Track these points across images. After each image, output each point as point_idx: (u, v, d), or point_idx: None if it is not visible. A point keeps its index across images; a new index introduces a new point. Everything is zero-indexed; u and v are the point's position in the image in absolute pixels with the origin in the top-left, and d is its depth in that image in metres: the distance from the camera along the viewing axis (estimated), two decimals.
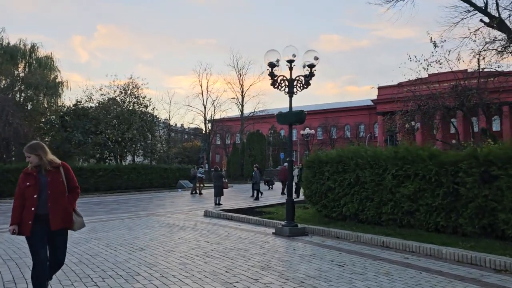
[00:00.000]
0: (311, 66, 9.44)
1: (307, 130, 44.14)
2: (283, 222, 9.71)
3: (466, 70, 19.29)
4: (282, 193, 22.03)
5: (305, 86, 9.70)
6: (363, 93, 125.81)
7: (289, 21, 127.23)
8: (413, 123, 33.41)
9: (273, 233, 9.43)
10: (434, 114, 18.67)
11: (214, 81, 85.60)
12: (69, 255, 6.74)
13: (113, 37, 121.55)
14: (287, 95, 9.68)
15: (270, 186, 30.34)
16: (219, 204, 16.78)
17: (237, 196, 22.61)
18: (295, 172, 18.70)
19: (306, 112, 9.65)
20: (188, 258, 6.70)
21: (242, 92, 54.53)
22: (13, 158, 28.22)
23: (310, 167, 11.77)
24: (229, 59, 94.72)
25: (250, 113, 55.54)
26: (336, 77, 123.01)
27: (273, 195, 23.30)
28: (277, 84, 9.69)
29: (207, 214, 12.99)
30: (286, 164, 21.94)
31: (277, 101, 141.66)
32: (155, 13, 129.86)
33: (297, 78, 9.64)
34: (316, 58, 9.40)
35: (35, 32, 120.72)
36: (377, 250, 7.43)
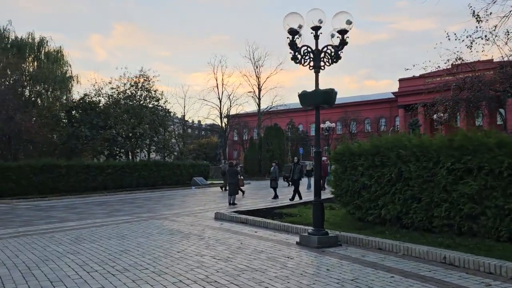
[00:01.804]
0: (343, 32, 7.47)
1: (327, 124, 41.91)
2: (309, 229, 7.82)
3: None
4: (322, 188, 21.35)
5: (335, 60, 7.75)
6: (382, 87, 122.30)
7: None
8: (441, 114, 30.97)
9: (297, 242, 7.54)
10: (480, 101, 16.39)
11: (229, 74, 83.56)
12: (20, 279, 5.02)
13: (130, 35, 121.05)
14: (312, 70, 7.75)
15: (289, 182, 28.35)
16: (233, 204, 14.97)
17: (254, 194, 20.76)
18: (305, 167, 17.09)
19: (336, 92, 7.70)
20: (183, 285, 4.88)
21: (258, 85, 52.56)
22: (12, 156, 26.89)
23: (340, 160, 9.84)
24: (244, 51, 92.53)
25: (268, 106, 53.57)
26: (354, 71, 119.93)
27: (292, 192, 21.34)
28: (300, 57, 7.76)
29: (218, 217, 11.18)
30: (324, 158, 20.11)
31: (296, 95, 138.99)
32: (170, 11, 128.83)
33: (325, 50, 7.69)
34: (349, 22, 7.42)
35: (53, 31, 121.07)
36: (440, 271, 5.48)
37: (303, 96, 7.75)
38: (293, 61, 7.97)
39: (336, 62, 7.81)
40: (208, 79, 79.76)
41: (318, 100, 7.65)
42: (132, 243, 7.64)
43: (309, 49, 7.71)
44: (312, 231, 7.51)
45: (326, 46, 7.65)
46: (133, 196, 21.57)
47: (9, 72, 30.82)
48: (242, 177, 16.72)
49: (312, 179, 24.74)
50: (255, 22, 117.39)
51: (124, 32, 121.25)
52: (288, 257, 6.35)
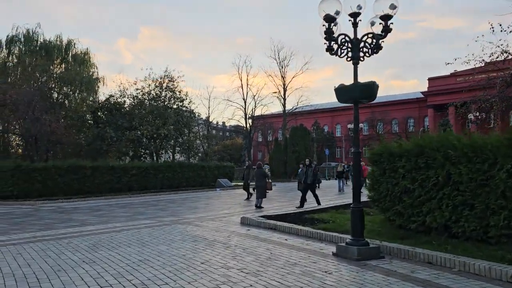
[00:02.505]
0: (386, 18, 6.66)
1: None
2: (346, 238, 7.04)
3: None
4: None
5: (375, 50, 6.94)
6: (409, 87, 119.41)
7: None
8: (477, 113, 29.36)
9: (333, 253, 6.77)
10: None
11: (254, 75, 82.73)
12: None
13: (156, 38, 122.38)
14: (350, 61, 6.97)
15: (317, 184, 27.45)
16: (260, 207, 14.29)
17: (281, 196, 20.02)
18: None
19: (378, 85, 6.90)
20: None
21: (284, 85, 51.74)
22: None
23: (377, 162, 8.99)
24: (269, 51, 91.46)
25: (293, 107, 52.69)
26: (380, 71, 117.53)
27: (322, 195, 20.49)
28: (336, 47, 6.99)
29: (244, 222, 10.50)
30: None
31: (322, 95, 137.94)
32: (195, 14, 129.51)
33: (365, 39, 6.89)
34: (393, 7, 6.61)
35: (82, 36, 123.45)
36: None
37: (340, 90, 6.97)
38: (328, 53, 7.22)
39: (376, 52, 7.00)
40: (232, 79, 79.11)
41: (357, 95, 6.86)
42: (152, 251, 7.03)
43: (347, 38, 6.93)
44: (350, 241, 6.72)
45: (367, 34, 6.85)
46: (157, 198, 21.18)
47: (37, 75, 31.14)
48: (270, 180, 15.80)
49: (343, 181, 23.90)
50: (280, 23, 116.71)
51: (150, 35, 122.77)
52: (326, 272, 5.59)
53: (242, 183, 35.39)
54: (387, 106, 66.33)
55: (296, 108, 52.63)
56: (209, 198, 20.12)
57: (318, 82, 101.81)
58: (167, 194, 23.50)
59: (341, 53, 7.05)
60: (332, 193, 21.91)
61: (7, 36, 33.60)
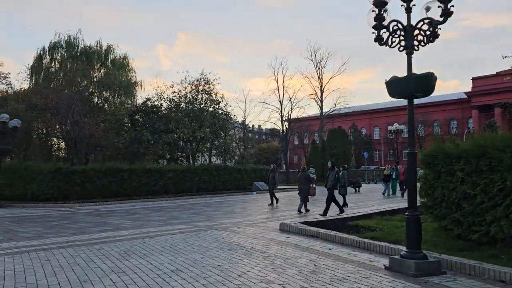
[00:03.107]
0: (445, 1, 5.87)
1: (395, 126, 39.06)
2: (401, 249, 6.27)
3: None
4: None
5: (431, 39, 6.16)
6: (451, 87, 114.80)
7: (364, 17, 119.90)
8: None
9: (386, 267, 6.02)
10: None
11: (290, 77, 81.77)
12: None
13: (192, 43, 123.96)
14: (404, 51, 6.22)
15: (357, 188, 26.46)
16: (302, 212, 13.72)
17: (319, 201, 19.18)
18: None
19: (436, 77, 6.11)
20: None
21: (321, 86, 50.56)
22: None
23: (431, 164, 8.15)
24: (306, 52, 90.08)
25: (330, 109, 51.47)
26: (417, 72, 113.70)
27: (364, 199, 19.57)
28: (387, 35, 6.26)
29: (283, 228, 9.85)
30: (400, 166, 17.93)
31: (359, 98, 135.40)
32: (231, 19, 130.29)
33: (420, 25, 6.12)
34: None
35: (123, 44, 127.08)
36: None
37: (393, 83, 6.22)
38: (376, 43, 6.51)
39: (432, 41, 6.23)
40: (268, 81, 78.14)
41: (412, 87, 6.09)
42: (186, 260, 6.53)
43: (399, 26, 6.18)
44: (405, 253, 5.95)
45: (423, 20, 6.08)
46: (192, 201, 20.88)
47: (78, 79, 31.87)
48: (314, 185, 14.85)
49: (388, 185, 22.73)
50: (316, 24, 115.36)
51: (187, 41, 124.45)
52: None
53: (280, 187, 34.73)
54: (427, 107, 63.70)
55: (333, 110, 51.36)
56: (245, 202, 19.60)
57: (354, 85, 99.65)
58: (203, 197, 23.20)
59: (391, 43, 6.32)
60: (375, 198, 20.88)
61: (50, 43, 34.68)
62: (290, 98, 50.45)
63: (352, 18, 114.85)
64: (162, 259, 6.63)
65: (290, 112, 49.54)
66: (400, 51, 6.27)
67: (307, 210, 14.01)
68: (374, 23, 6.30)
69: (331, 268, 5.98)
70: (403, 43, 6.21)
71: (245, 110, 59.49)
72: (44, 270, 5.94)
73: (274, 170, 18.16)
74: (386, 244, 7.34)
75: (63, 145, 33.05)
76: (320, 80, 50.61)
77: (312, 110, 57.40)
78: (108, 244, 8.01)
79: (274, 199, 17.35)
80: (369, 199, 20.05)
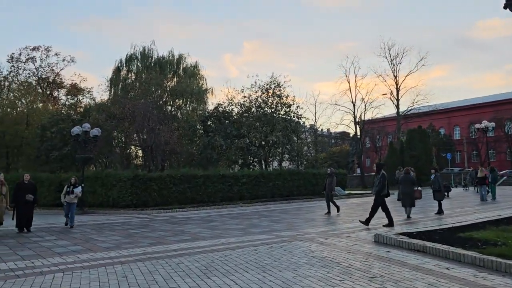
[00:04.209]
0: None
1: (484, 123, 35.35)
2: None
3: None
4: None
5: None
6: None
7: (436, 11, 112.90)
8: None
9: None
10: None
11: (362, 76, 78.56)
12: None
13: (258, 51, 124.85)
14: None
15: (447, 192, 24.04)
16: (410, 217, 12.98)
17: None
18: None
19: None
20: None
21: (396, 85, 47.81)
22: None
23: None
24: (378, 49, 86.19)
25: (408, 108, 48.41)
26: (497, 67, 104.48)
27: (458, 206, 17.48)
28: None
29: (379, 240, 8.59)
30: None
31: (435, 96, 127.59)
32: (293, 25, 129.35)
33: None
34: None
35: (192, 54, 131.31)
36: None
37: None
38: (507, 9, 5.17)
39: None
40: (339, 82, 75.30)
41: None
42: (275, 280, 5.60)
43: None
44: None
45: None
46: (268, 207, 20.09)
47: (152, 88, 32.79)
48: (420, 188, 13.30)
49: (485, 189, 20.28)
50: (387, 23, 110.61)
51: (252, 49, 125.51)
52: None
53: (356, 192, 32.93)
54: None
55: (410, 110, 48.27)
56: (324, 209, 18.36)
57: (429, 82, 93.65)
58: (278, 204, 22.34)
59: None
60: (471, 203, 18.69)
61: (126, 55, 36.19)
62: (363, 99, 48.25)
63: (417, 17, 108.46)
64: (248, 277, 5.77)
65: (363, 113, 47.32)
66: None
67: (410, 217, 13.09)
68: None
69: None
70: None
71: (315, 113, 57.92)
72: None
73: (332, 175, 16.39)
74: None
75: (140, 152, 34.15)
76: (396, 78, 47.88)
77: (387, 111, 54.35)
78: (187, 257, 7.34)
79: (335, 207, 15.61)
80: (465, 205, 17.92)
